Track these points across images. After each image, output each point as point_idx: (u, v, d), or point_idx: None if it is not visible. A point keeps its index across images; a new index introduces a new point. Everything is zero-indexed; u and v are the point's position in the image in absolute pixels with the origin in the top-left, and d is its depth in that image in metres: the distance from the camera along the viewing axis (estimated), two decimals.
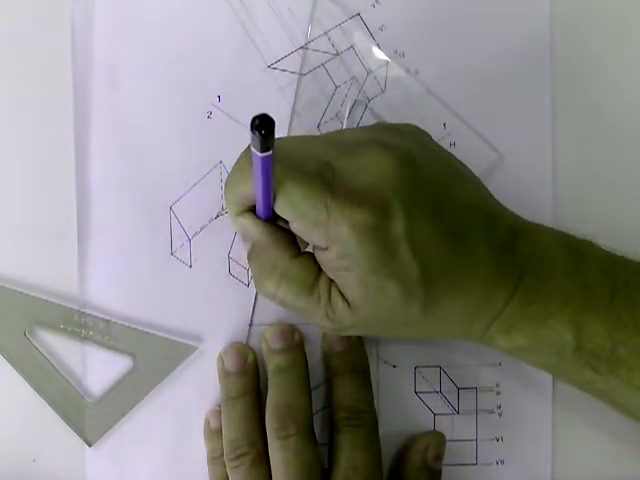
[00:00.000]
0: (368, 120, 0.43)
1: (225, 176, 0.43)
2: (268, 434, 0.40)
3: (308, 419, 0.41)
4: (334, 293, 0.36)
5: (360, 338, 0.43)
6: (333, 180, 0.35)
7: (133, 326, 0.43)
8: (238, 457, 0.41)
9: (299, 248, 0.38)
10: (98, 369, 0.43)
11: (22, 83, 0.43)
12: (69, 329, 0.43)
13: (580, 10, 0.44)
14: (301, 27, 0.43)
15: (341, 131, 0.40)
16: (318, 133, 0.43)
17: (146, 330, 0.43)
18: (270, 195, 0.35)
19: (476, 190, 0.38)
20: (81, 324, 0.43)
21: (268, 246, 0.37)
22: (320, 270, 0.37)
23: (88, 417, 0.43)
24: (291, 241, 0.38)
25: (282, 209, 0.35)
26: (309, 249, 0.38)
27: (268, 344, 0.42)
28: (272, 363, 0.42)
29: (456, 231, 0.36)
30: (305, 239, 0.37)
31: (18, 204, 0.43)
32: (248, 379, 0.42)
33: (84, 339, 0.43)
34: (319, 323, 0.38)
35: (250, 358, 0.43)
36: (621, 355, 0.36)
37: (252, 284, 0.43)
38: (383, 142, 0.36)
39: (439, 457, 0.43)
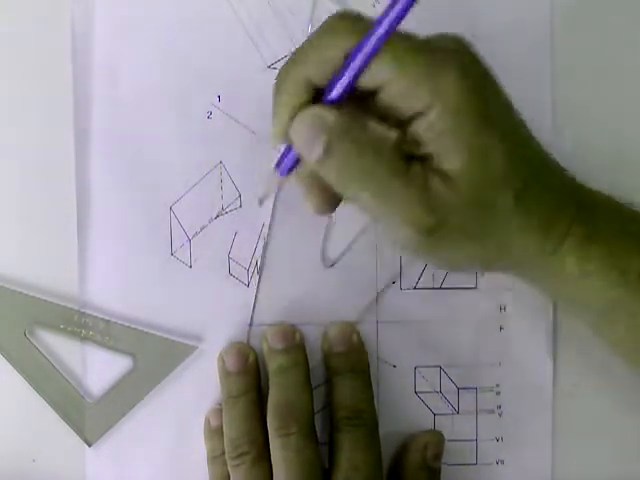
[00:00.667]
0: None
1: (225, 176, 0.43)
2: (270, 433, 0.40)
3: (309, 418, 0.41)
4: (431, 175, 0.33)
5: (360, 338, 0.43)
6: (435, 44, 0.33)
7: (133, 326, 0.43)
8: (239, 456, 0.41)
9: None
10: (98, 369, 0.43)
11: (22, 83, 0.43)
12: (69, 329, 0.43)
13: (580, 10, 0.44)
14: (301, 27, 0.43)
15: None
16: None
17: (146, 330, 0.43)
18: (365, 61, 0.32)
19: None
20: (81, 324, 0.43)
21: (352, 129, 0.33)
22: (410, 160, 0.33)
23: (88, 417, 0.43)
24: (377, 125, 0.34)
25: (385, 65, 0.32)
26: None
27: (269, 344, 0.42)
28: (274, 363, 0.42)
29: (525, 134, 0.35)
30: (400, 104, 0.33)
31: (18, 204, 0.43)
32: (249, 378, 0.42)
33: (84, 339, 0.43)
34: (410, 222, 0.33)
35: (251, 358, 0.43)
36: None
37: (252, 284, 0.43)
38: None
39: (438, 456, 0.43)
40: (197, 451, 0.43)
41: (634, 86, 0.44)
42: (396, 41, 0.32)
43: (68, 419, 0.43)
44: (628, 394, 0.44)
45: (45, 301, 0.43)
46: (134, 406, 0.43)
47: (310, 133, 0.33)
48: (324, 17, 0.43)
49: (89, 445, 0.43)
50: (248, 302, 0.43)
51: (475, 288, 0.43)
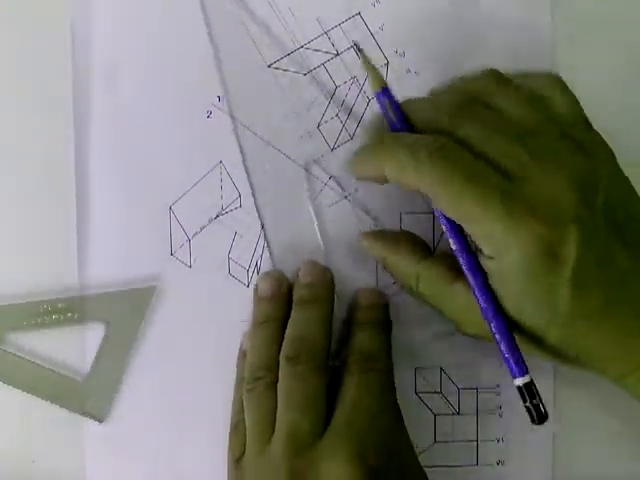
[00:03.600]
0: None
1: (225, 176, 0.43)
2: (280, 363, 0.40)
3: (322, 354, 0.40)
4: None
5: (387, 301, 0.43)
6: (514, 196, 0.34)
7: (86, 293, 0.43)
8: (254, 380, 0.40)
9: (429, 248, 0.41)
10: (77, 347, 0.43)
11: (22, 83, 0.43)
12: (32, 322, 0.43)
13: (580, 11, 0.44)
14: (301, 27, 0.43)
15: (527, 131, 0.36)
16: (319, 134, 0.43)
17: (102, 291, 0.43)
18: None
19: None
20: (41, 313, 0.43)
21: (396, 259, 0.40)
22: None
23: (88, 394, 0.43)
24: (416, 244, 0.41)
25: (454, 215, 0.36)
26: None
27: (298, 277, 0.42)
28: (297, 295, 0.42)
29: (622, 277, 0.35)
30: (468, 234, 0.36)
31: (17, 205, 0.43)
32: (277, 306, 0.42)
33: (51, 325, 0.43)
34: (458, 318, 0.39)
35: (284, 286, 0.42)
36: None
37: (252, 284, 0.43)
38: (573, 167, 0.35)
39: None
40: (197, 451, 0.43)
41: (634, 86, 0.44)
42: (473, 196, 0.35)
43: (72, 407, 0.43)
44: (628, 394, 0.44)
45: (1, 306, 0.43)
46: (126, 367, 0.43)
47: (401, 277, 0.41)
48: (324, 17, 0.43)
49: (100, 421, 0.43)
50: (248, 302, 0.43)
51: None
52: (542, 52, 0.44)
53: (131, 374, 0.43)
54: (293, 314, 0.41)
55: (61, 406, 0.43)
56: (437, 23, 0.44)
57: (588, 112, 0.37)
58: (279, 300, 0.42)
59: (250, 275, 0.43)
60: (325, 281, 0.42)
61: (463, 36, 0.44)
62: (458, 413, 0.44)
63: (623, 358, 0.36)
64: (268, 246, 0.44)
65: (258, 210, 0.43)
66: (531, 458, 0.44)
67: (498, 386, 0.44)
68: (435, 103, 0.38)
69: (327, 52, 0.44)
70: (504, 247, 0.34)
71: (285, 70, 0.43)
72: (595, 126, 0.37)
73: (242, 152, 0.43)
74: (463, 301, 0.37)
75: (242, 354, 0.43)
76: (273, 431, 0.39)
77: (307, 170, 0.43)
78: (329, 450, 0.38)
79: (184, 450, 0.44)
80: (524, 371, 0.37)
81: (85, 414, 0.43)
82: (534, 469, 0.44)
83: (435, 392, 0.44)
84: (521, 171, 0.35)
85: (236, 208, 0.43)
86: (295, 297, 0.42)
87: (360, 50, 0.39)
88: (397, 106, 0.38)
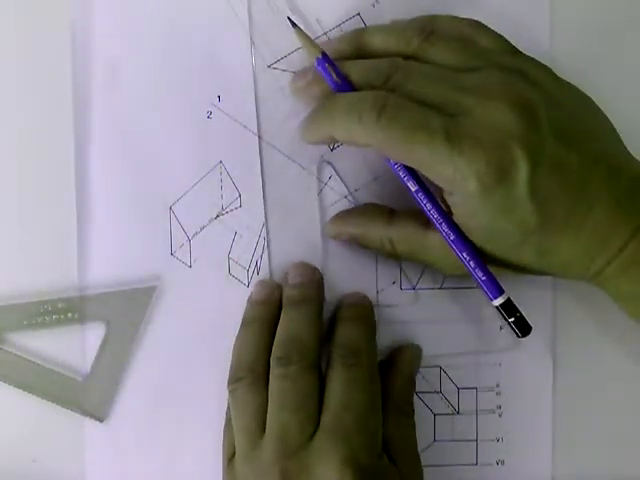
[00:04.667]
0: None
1: (225, 176, 0.43)
2: (271, 363, 0.40)
3: (313, 354, 0.40)
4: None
5: (370, 303, 0.43)
6: (458, 131, 0.36)
7: (87, 293, 0.43)
8: (235, 381, 0.40)
9: None
10: (77, 347, 0.43)
11: (22, 83, 0.43)
12: (33, 322, 0.43)
13: (581, 11, 0.44)
14: (301, 27, 0.43)
15: (464, 74, 0.39)
16: None
17: (100, 292, 0.43)
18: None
19: (603, 136, 0.39)
20: (41, 313, 0.43)
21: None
22: None
23: (88, 394, 0.43)
24: None
25: (408, 164, 0.38)
26: None
27: (288, 278, 0.42)
28: (287, 296, 0.42)
29: (578, 184, 0.37)
30: (426, 176, 0.38)
31: (17, 205, 0.43)
32: (266, 308, 0.42)
33: (51, 325, 0.43)
34: (440, 264, 0.40)
35: (276, 293, 0.43)
36: None
37: (252, 284, 0.43)
38: (512, 90, 0.37)
39: (418, 368, 0.44)
40: (197, 451, 0.43)
41: (634, 86, 0.44)
42: (420, 144, 0.36)
43: (72, 407, 0.43)
44: (628, 394, 0.44)
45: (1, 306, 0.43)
46: (126, 367, 0.43)
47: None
48: (324, 17, 0.43)
49: (100, 422, 0.43)
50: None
51: (475, 288, 0.43)
52: (542, 52, 0.44)
53: (131, 374, 0.43)
54: (283, 315, 0.41)
55: (61, 406, 0.43)
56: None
57: None
58: (269, 304, 0.42)
59: (250, 275, 0.43)
60: (314, 282, 0.42)
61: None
62: (458, 413, 0.44)
63: (594, 256, 0.38)
64: (268, 246, 0.44)
65: (265, 209, 0.43)
66: (531, 458, 0.44)
67: (498, 386, 0.44)
68: (371, 64, 0.40)
69: None
70: (460, 181, 0.36)
71: (285, 70, 0.43)
72: None
73: (242, 152, 0.43)
74: (439, 246, 0.39)
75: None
76: (262, 430, 0.39)
77: (306, 169, 0.43)
78: (320, 452, 0.38)
79: (184, 450, 0.44)
80: (500, 290, 0.39)
81: (85, 414, 0.43)
82: (534, 469, 0.44)
83: (435, 392, 0.44)
84: (460, 107, 0.37)
85: (236, 208, 0.43)
86: (285, 298, 0.42)
87: (294, 24, 0.41)
88: (337, 69, 0.40)
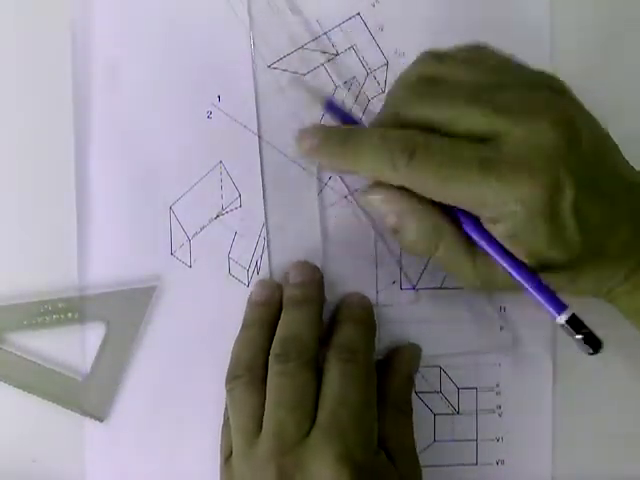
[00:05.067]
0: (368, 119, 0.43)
1: (225, 176, 0.43)
2: (269, 361, 0.40)
3: (311, 353, 0.40)
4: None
5: (371, 305, 0.43)
6: (495, 157, 0.34)
7: (87, 293, 0.43)
8: (233, 379, 0.40)
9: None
10: (77, 347, 0.43)
11: (22, 83, 0.43)
12: (33, 322, 0.43)
13: (581, 12, 0.44)
14: (301, 27, 0.43)
15: (490, 91, 0.36)
16: None
17: (100, 292, 0.43)
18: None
19: (614, 149, 0.38)
20: (41, 313, 0.43)
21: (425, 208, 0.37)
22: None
23: (88, 395, 0.43)
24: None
25: (446, 202, 0.36)
26: None
27: (288, 278, 0.42)
28: (287, 296, 0.42)
29: (608, 200, 0.36)
30: (467, 209, 0.36)
31: (17, 205, 0.43)
32: (266, 309, 0.42)
33: (51, 325, 0.43)
34: (471, 283, 0.38)
35: (277, 293, 0.42)
36: None
37: (252, 284, 0.43)
38: (545, 104, 0.35)
39: (417, 367, 0.44)
40: (197, 451, 0.43)
41: (634, 86, 0.44)
42: (457, 178, 0.35)
43: (72, 407, 0.43)
44: (628, 394, 0.44)
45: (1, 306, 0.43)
46: (126, 366, 0.43)
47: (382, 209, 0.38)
48: (324, 17, 0.43)
49: (100, 421, 0.43)
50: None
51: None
52: (542, 52, 0.44)
53: (131, 374, 0.43)
54: (283, 315, 0.41)
55: (61, 406, 0.43)
56: (437, 23, 0.44)
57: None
58: (269, 305, 0.42)
59: (250, 275, 0.43)
60: (315, 281, 0.42)
61: (463, 36, 0.44)
62: (458, 413, 0.44)
63: (612, 275, 0.37)
64: (268, 246, 0.44)
65: (265, 210, 0.43)
66: (531, 458, 0.44)
67: (498, 386, 0.44)
68: (387, 99, 0.39)
69: (327, 52, 0.44)
70: (505, 210, 0.34)
71: (285, 70, 0.43)
72: None
73: (242, 152, 0.43)
74: (485, 270, 0.37)
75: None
76: (259, 429, 0.39)
77: (306, 169, 0.43)
78: (316, 449, 0.37)
79: (184, 450, 0.44)
80: (564, 306, 0.36)
81: (85, 414, 0.43)
82: (534, 469, 0.44)
83: (435, 392, 0.44)
84: (492, 131, 0.34)
85: (236, 208, 0.43)
86: (286, 298, 0.42)
87: (295, 79, 0.40)
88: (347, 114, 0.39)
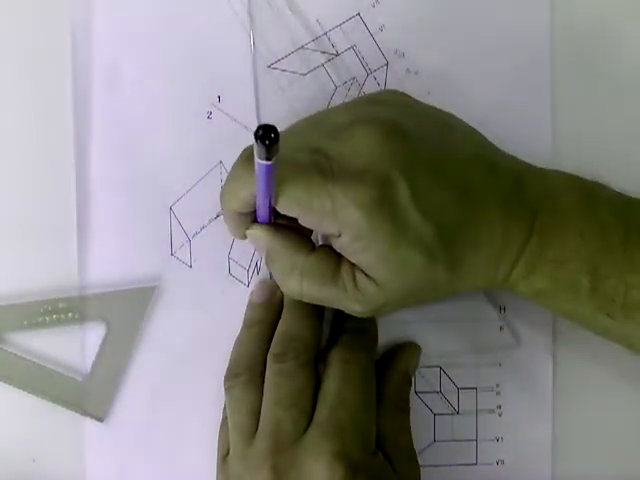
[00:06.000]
0: None
1: (225, 176, 0.43)
2: (267, 361, 0.40)
3: (310, 353, 0.40)
4: (359, 277, 0.36)
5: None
6: (330, 166, 0.35)
7: (88, 293, 0.43)
8: (232, 378, 0.40)
9: (312, 242, 0.38)
10: (77, 347, 0.43)
11: (22, 83, 0.43)
12: (33, 322, 0.43)
13: (580, 12, 0.44)
14: (301, 27, 0.43)
15: (324, 113, 0.39)
16: None
17: (100, 292, 0.43)
18: (272, 198, 0.35)
19: (471, 139, 0.38)
20: (41, 313, 0.43)
21: (282, 249, 0.38)
22: (340, 258, 0.37)
23: (88, 395, 0.43)
24: (302, 238, 0.38)
25: (286, 208, 0.36)
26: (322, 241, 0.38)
27: None
28: (288, 296, 0.41)
29: (460, 185, 0.36)
30: (317, 230, 0.37)
31: (17, 205, 0.43)
32: (266, 310, 0.42)
33: (51, 325, 0.43)
34: (352, 309, 0.38)
35: (277, 294, 0.42)
36: (636, 299, 0.36)
37: (252, 284, 0.43)
38: (367, 119, 0.36)
39: (417, 366, 0.44)
40: (197, 450, 0.43)
41: (634, 87, 0.44)
42: (294, 180, 0.35)
43: (72, 407, 0.43)
44: (628, 394, 0.44)
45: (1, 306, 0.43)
46: (126, 367, 0.43)
47: (254, 245, 0.40)
48: (324, 17, 0.43)
49: (100, 422, 0.43)
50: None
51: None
52: (542, 52, 0.44)
53: (131, 374, 0.43)
54: (283, 315, 0.41)
55: (61, 406, 0.43)
56: (437, 23, 0.44)
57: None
58: (270, 306, 0.42)
59: (250, 275, 0.43)
60: None
61: (463, 36, 0.44)
62: (457, 413, 0.44)
63: (498, 260, 0.37)
64: None
65: None
66: (530, 458, 0.44)
67: (498, 386, 0.44)
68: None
69: (327, 52, 0.44)
70: (346, 217, 0.34)
71: (285, 70, 0.43)
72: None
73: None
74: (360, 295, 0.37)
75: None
76: (257, 428, 0.39)
77: None
78: (311, 448, 0.38)
79: (184, 450, 0.44)
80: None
81: (85, 414, 0.43)
82: (533, 469, 0.44)
83: (434, 392, 0.44)
84: (331, 151, 0.35)
85: None
86: (286, 299, 0.42)
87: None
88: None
